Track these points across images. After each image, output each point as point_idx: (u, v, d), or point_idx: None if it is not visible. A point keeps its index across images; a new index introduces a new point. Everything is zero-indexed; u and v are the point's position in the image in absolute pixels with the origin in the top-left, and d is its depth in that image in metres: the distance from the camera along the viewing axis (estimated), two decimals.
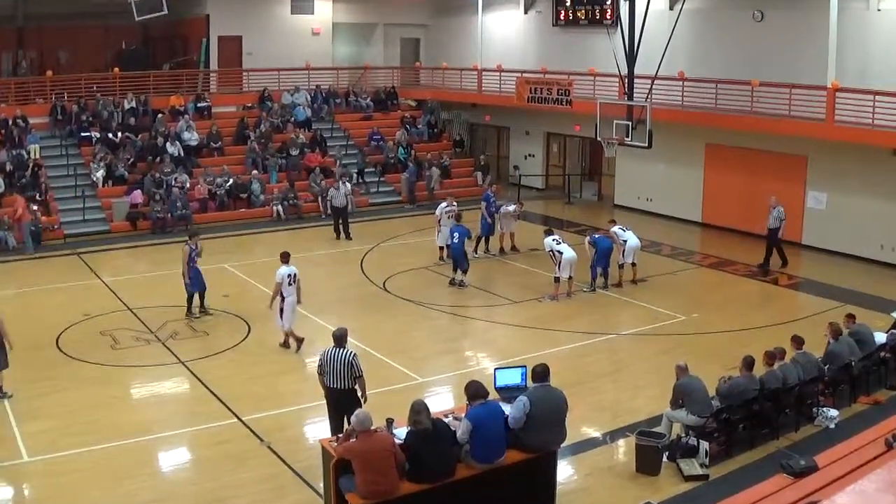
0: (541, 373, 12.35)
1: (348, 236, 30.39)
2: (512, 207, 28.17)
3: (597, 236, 24.53)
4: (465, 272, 24.43)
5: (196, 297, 21.73)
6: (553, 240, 23.80)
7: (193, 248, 21.38)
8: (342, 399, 13.58)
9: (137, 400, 17.17)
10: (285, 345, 19.49)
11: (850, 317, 17.62)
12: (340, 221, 30.57)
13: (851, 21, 26.54)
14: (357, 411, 11.47)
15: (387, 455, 11.03)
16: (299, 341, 19.32)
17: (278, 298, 19.04)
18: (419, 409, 11.38)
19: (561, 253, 23.36)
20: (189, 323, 21.20)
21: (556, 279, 23.49)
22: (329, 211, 31.87)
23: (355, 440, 11.14)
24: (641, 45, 27.60)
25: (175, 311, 21.89)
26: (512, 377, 13.19)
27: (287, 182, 34.73)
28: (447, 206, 26.90)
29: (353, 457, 11.04)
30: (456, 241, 24.31)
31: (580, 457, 14.40)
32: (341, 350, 13.63)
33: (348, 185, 34.73)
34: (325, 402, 14.00)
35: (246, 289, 24.46)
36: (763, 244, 26.54)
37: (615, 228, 24.65)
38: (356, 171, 36.83)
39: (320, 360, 13.76)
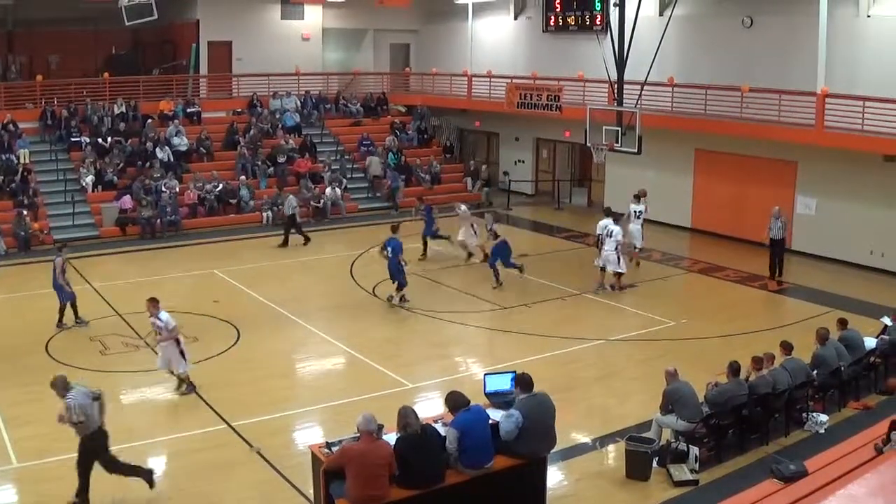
0: (528, 382, 12.38)
1: (307, 240, 30.44)
2: (463, 207, 28.29)
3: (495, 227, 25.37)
4: (402, 287, 23.41)
5: (69, 307, 21.37)
6: (605, 227, 24.45)
7: (61, 260, 21.19)
8: (104, 437, 13.28)
9: (126, 405, 17.08)
10: (184, 389, 17.52)
11: (842, 322, 17.67)
12: (292, 230, 30.45)
13: (841, 27, 26.63)
14: (364, 412, 11.38)
15: (383, 463, 11.02)
16: (184, 382, 17.48)
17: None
18: (407, 414, 11.39)
19: (603, 244, 24.34)
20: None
21: (602, 269, 24.58)
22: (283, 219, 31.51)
23: (357, 441, 11.11)
24: (631, 51, 27.63)
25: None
26: (501, 382, 13.17)
27: (276, 188, 34.67)
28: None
29: (349, 460, 10.99)
30: (389, 254, 23.23)
31: (570, 462, 14.40)
32: (85, 390, 13.25)
33: (338, 190, 34.78)
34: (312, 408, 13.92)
35: (235, 294, 24.42)
36: (759, 252, 26.39)
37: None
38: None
39: (80, 410, 12.93)
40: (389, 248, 23.13)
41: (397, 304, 23.23)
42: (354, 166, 38.18)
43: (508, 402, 12.50)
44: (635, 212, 26.52)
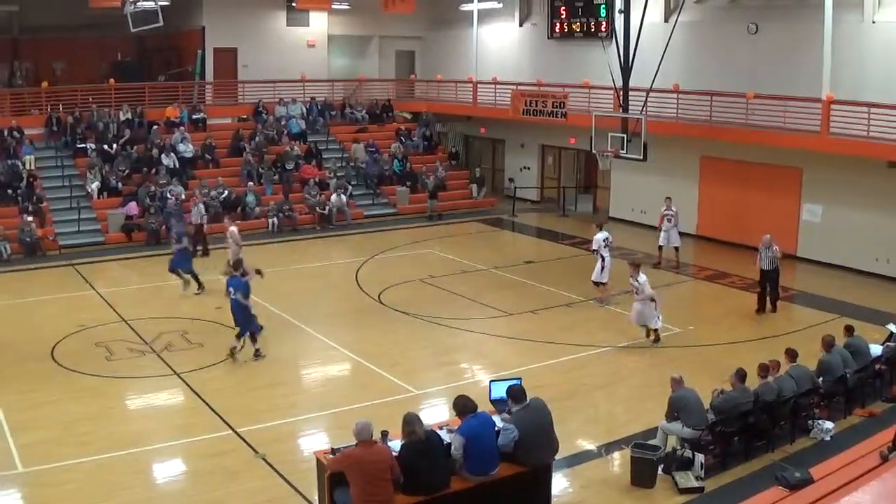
0: (519, 393, 12.38)
1: (206, 253, 29.05)
2: (232, 229, 25.33)
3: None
4: (254, 336, 19.62)
5: None
6: (604, 239, 24.04)
7: None
8: None
9: (132, 411, 17.14)
10: None
11: (849, 329, 17.64)
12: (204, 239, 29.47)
13: (846, 33, 26.59)
14: (358, 420, 11.39)
15: (384, 467, 10.98)
16: None
17: None
18: (412, 421, 11.38)
19: (603, 258, 23.81)
20: (184, 335, 21.15)
21: (597, 283, 24.02)
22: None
23: (354, 448, 11.10)
24: (636, 57, 27.64)
25: (170, 322, 21.88)
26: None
27: (282, 194, 34.70)
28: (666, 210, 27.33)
29: (349, 466, 10.98)
30: (233, 295, 19.43)
31: (575, 469, 14.37)
32: None
33: (343, 197, 34.78)
34: (317, 414, 13.92)
35: None
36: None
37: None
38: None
39: None
40: (232, 290, 19.44)
41: (252, 358, 19.54)
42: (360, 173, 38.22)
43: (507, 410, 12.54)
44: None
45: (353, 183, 37.02)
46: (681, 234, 31.14)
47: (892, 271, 26.43)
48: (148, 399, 17.68)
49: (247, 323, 19.41)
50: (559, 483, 13.64)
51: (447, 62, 44.02)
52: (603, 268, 23.99)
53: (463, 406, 11.87)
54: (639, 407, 16.99)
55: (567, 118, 33.91)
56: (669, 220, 27.85)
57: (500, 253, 30.74)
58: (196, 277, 24.99)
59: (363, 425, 11.07)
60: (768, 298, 23.43)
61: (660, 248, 28.36)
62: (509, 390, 12.53)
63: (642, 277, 20.56)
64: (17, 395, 17.29)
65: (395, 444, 11.61)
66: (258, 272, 20.53)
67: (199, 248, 28.75)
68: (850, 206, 27.30)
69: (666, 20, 32.28)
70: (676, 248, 28.30)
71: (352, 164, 38.41)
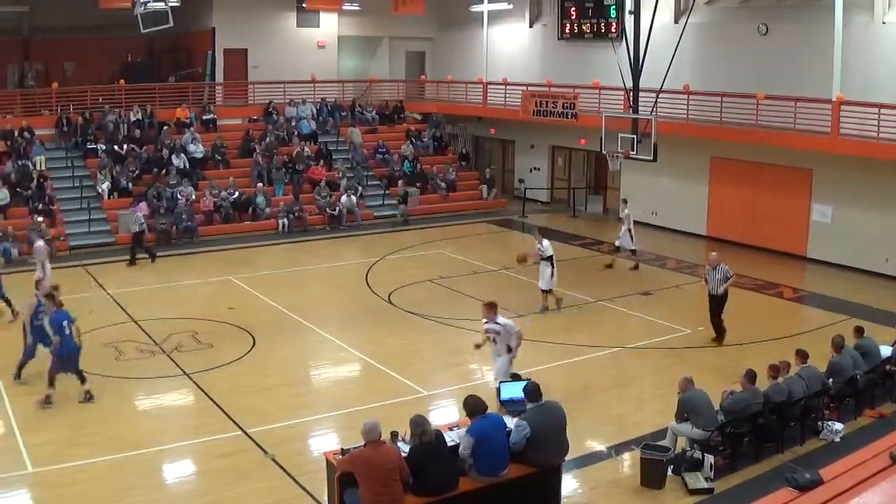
0: (534, 392, 12.43)
1: (153, 258, 28.81)
2: (39, 243, 24.69)
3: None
4: (82, 378, 17.24)
5: None
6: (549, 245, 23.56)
7: None
8: None
9: (141, 412, 17.14)
10: None
11: (859, 330, 17.60)
12: (138, 248, 28.83)
13: (856, 34, 26.53)
14: (365, 420, 11.40)
15: (392, 468, 10.99)
16: None
17: None
18: (422, 422, 11.40)
19: (553, 265, 23.31)
20: (194, 335, 21.17)
21: (546, 291, 23.49)
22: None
23: (362, 448, 11.11)
24: (647, 58, 27.63)
25: (180, 323, 21.90)
26: (516, 390, 13.21)
27: (292, 195, 34.72)
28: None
29: (357, 467, 10.99)
30: (68, 331, 17.00)
31: (584, 470, 14.36)
32: None
33: (353, 197, 34.79)
34: (327, 415, 13.93)
35: (251, 301, 24.46)
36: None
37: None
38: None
39: None
40: (66, 323, 17.07)
41: (83, 401, 17.10)
42: (370, 174, 38.21)
43: (523, 410, 12.53)
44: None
45: (363, 184, 36.97)
46: (691, 234, 31.29)
47: None
48: (157, 400, 17.69)
49: (75, 362, 17.13)
50: (568, 484, 13.63)
51: (457, 63, 44.02)
52: (552, 274, 23.44)
53: (474, 407, 11.90)
54: (648, 408, 16.98)
55: (577, 119, 33.92)
56: (623, 223, 27.85)
57: (510, 254, 30.63)
58: (9, 303, 22.63)
59: (371, 426, 11.08)
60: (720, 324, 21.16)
61: (633, 251, 28.19)
62: (525, 388, 12.55)
63: (502, 320, 16.86)
64: (27, 396, 17.30)
65: (405, 446, 11.64)
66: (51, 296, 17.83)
67: (143, 256, 28.70)
68: (861, 207, 27.24)
69: (676, 21, 32.24)
70: (617, 248, 28.38)
71: (366, 169, 38.44)
